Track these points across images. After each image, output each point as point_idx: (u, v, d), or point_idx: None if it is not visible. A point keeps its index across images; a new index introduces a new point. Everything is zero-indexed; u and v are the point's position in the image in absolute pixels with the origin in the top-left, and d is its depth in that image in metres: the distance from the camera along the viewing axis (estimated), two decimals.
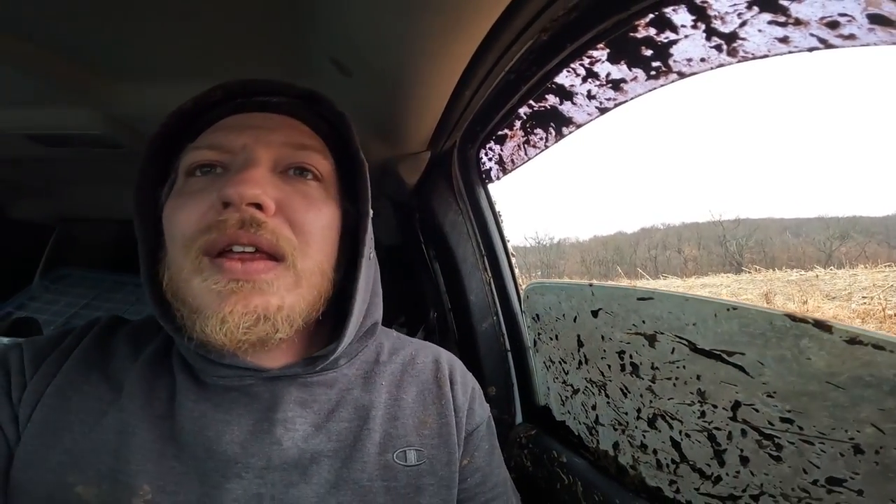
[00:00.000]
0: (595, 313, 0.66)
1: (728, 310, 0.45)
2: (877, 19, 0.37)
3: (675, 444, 0.58)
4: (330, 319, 0.54)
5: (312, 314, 0.50)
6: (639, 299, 0.56)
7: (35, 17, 0.63)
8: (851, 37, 0.39)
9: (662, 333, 0.54)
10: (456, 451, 0.55)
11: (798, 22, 0.41)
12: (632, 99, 0.70)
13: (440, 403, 0.57)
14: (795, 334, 0.39)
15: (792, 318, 0.39)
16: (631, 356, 0.61)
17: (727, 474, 0.50)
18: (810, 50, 0.42)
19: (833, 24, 0.39)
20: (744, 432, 0.48)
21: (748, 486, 0.48)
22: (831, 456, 0.41)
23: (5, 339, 1.33)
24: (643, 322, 0.57)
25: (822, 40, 0.41)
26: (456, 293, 1.06)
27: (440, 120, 0.87)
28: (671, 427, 0.58)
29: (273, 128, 0.51)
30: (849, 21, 0.38)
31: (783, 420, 0.44)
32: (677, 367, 0.54)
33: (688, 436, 0.56)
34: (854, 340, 0.36)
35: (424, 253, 1.31)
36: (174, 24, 0.65)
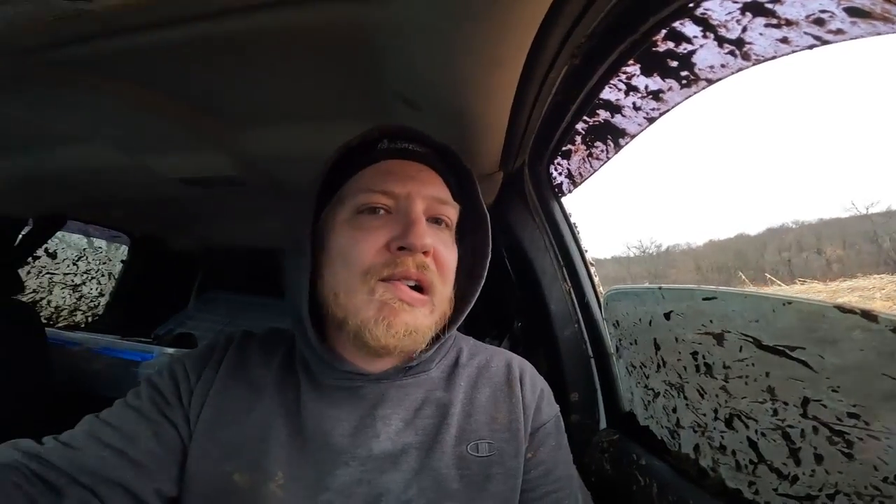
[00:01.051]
0: (667, 315, 0.67)
1: (784, 304, 0.45)
2: (854, 12, 0.36)
3: (753, 445, 0.57)
4: None
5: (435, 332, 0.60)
6: (704, 299, 0.57)
7: (180, 76, 0.78)
8: (840, 31, 0.38)
9: (729, 332, 0.54)
10: (523, 444, 0.61)
11: (789, 22, 0.42)
12: (673, 107, 0.71)
13: (510, 402, 0.63)
14: (847, 326, 0.39)
15: (841, 309, 0.39)
16: (703, 356, 0.61)
17: (803, 473, 0.49)
18: (810, 47, 0.41)
19: (819, 21, 0.39)
20: (815, 429, 0.47)
21: (824, 484, 0.46)
22: None
23: (170, 350, 1.61)
24: (711, 321, 0.57)
25: (816, 37, 0.41)
26: (537, 304, 1.10)
27: (505, 142, 0.93)
28: (747, 427, 0.57)
29: (425, 180, 0.61)
30: (830, 16, 0.38)
31: (850, 415, 0.43)
32: (747, 366, 0.53)
33: (763, 435, 0.55)
34: None
35: (507, 267, 1.36)
36: (282, 77, 0.78)
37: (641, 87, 0.69)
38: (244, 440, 0.57)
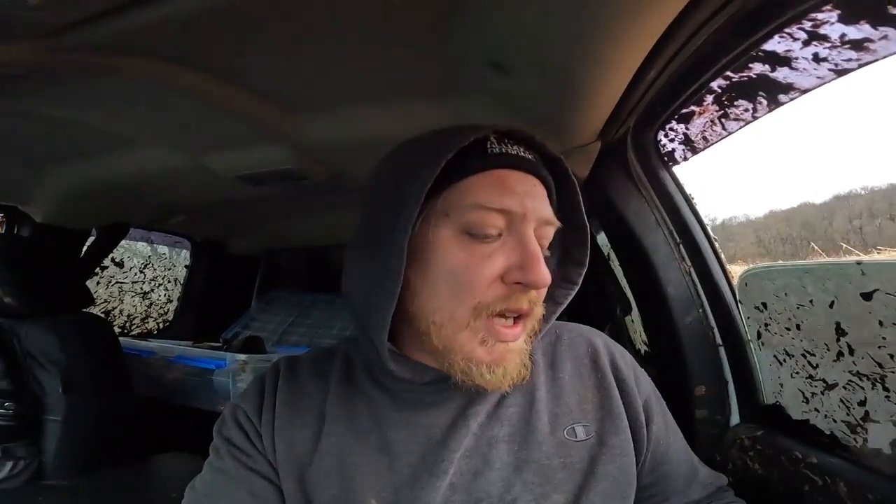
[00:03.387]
0: (868, 296, 0.54)
1: None
2: None
3: None
4: None
5: None
6: None
7: (233, 60, 0.71)
8: None
9: None
10: (624, 420, 0.57)
11: None
12: (880, 59, 0.56)
13: (597, 377, 0.59)
14: None
15: None
16: None
17: None
18: None
19: None
20: None
21: None
22: None
23: (242, 357, 1.60)
24: None
25: None
26: (648, 287, 0.97)
27: (614, 108, 0.81)
28: None
29: (539, 197, 0.53)
30: None
31: None
32: None
33: None
34: None
35: (599, 250, 1.24)
36: (342, 53, 0.70)
37: (834, 37, 0.55)
38: (318, 476, 0.52)
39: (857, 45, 0.54)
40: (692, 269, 0.92)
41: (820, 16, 0.52)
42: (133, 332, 2.83)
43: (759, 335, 0.81)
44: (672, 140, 0.92)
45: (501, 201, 0.49)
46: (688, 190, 0.93)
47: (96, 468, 1.24)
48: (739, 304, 0.84)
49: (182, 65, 0.71)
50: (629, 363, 0.63)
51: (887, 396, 0.58)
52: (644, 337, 1.15)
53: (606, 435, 0.56)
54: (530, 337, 0.54)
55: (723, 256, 0.90)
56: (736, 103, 0.74)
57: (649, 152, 0.96)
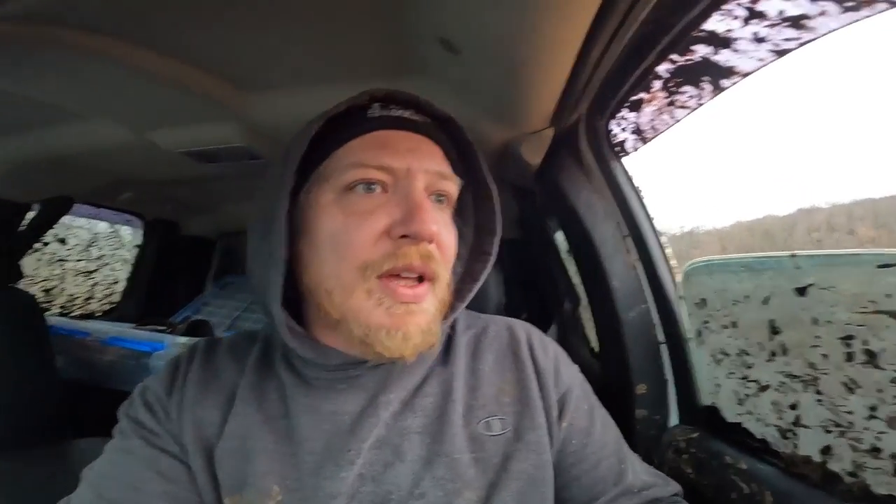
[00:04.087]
0: (802, 290, 0.51)
1: None
2: None
3: None
4: None
5: None
6: (881, 266, 0.42)
7: (180, 35, 0.68)
8: None
9: None
10: (541, 415, 0.55)
11: None
12: (818, 38, 0.54)
13: (517, 369, 0.58)
14: None
15: None
16: (865, 342, 0.46)
17: None
18: None
19: None
20: None
21: None
22: None
23: (182, 339, 1.53)
24: (889, 296, 0.42)
25: None
26: (595, 280, 0.95)
27: (563, 91, 0.78)
28: None
29: (426, 153, 0.53)
30: None
31: None
32: None
33: None
34: None
35: (551, 240, 1.21)
36: (295, 32, 0.68)
37: (773, 12, 0.52)
38: (224, 458, 0.50)
39: (796, 22, 0.52)
40: (638, 263, 0.90)
41: None
42: (74, 313, 2.69)
43: (699, 333, 0.79)
44: (624, 129, 0.89)
45: (380, 158, 0.49)
46: (636, 182, 0.91)
47: (11, 449, 1.17)
48: (682, 300, 0.82)
49: (124, 39, 0.69)
50: (552, 355, 0.61)
51: (819, 400, 0.56)
52: (594, 332, 1.13)
53: (523, 430, 0.54)
54: (443, 311, 0.53)
55: (668, 250, 0.87)
56: (682, 89, 0.72)
57: (601, 142, 0.93)
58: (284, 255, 0.49)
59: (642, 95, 0.78)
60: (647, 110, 0.81)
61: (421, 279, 0.49)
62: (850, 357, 0.48)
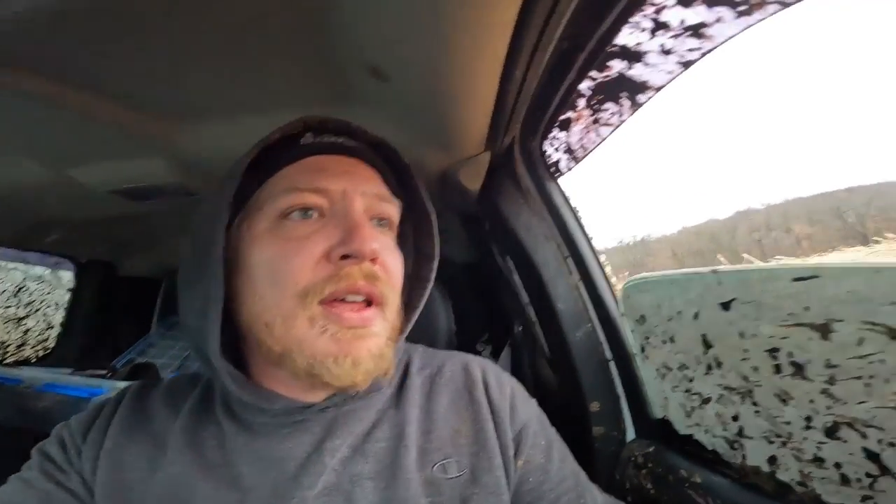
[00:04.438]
0: (726, 305, 0.52)
1: None
2: None
3: (872, 456, 0.43)
4: None
5: None
6: (796, 280, 0.42)
7: (103, 70, 0.64)
8: None
9: (841, 321, 0.40)
10: (498, 456, 0.53)
11: None
12: (719, 45, 0.56)
13: (473, 409, 0.56)
14: None
15: None
16: (790, 354, 0.46)
17: None
18: None
19: None
20: None
21: None
22: None
23: (123, 384, 1.42)
24: (806, 309, 0.42)
25: None
26: (541, 302, 0.94)
27: (493, 113, 0.78)
28: (864, 437, 0.43)
29: (363, 176, 0.53)
30: None
31: None
32: (870, 363, 0.38)
33: (892, 445, 0.41)
34: None
35: (500, 264, 1.21)
36: (225, 63, 0.66)
37: (675, 22, 0.54)
38: None
39: (696, 31, 0.54)
40: (580, 283, 0.90)
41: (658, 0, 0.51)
42: (7, 361, 2.52)
43: (642, 349, 0.79)
44: (557, 149, 0.90)
45: (315, 182, 0.49)
46: (573, 203, 0.92)
47: None
48: (624, 317, 0.82)
49: (35, 71, 0.64)
50: (508, 393, 0.59)
51: (757, 412, 0.56)
52: (547, 353, 1.13)
53: (480, 471, 0.52)
54: (395, 337, 0.52)
55: (607, 269, 0.88)
56: (604, 107, 0.73)
57: (536, 163, 0.93)
58: (222, 291, 0.46)
59: (570, 114, 0.79)
60: (577, 129, 0.82)
61: (369, 303, 0.48)
62: (778, 369, 0.49)
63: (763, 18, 0.48)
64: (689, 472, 0.67)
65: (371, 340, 0.47)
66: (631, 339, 0.84)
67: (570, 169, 0.90)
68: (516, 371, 1.20)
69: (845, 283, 0.38)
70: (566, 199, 0.93)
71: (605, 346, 0.90)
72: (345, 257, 0.46)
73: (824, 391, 0.44)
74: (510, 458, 0.54)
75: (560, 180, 0.93)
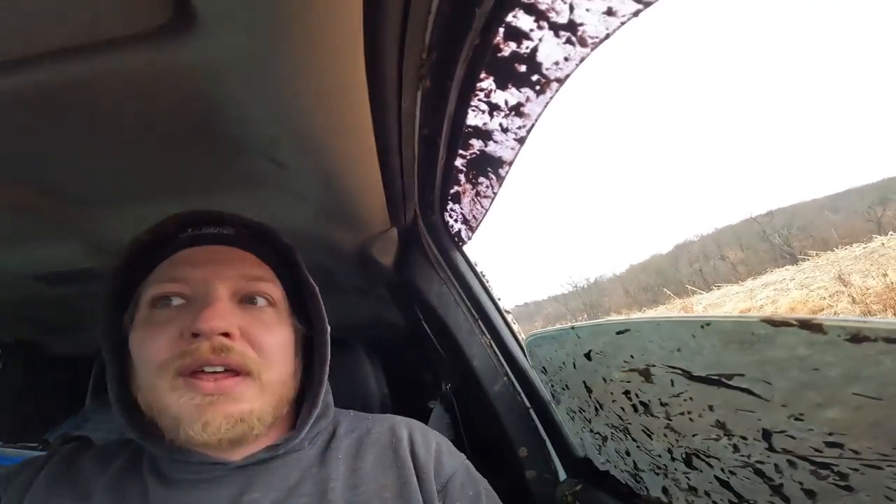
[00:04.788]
0: (588, 356, 0.58)
1: (702, 327, 0.37)
2: None
3: (724, 484, 0.49)
4: (292, 409, 0.62)
5: (279, 413, 0.57)
6: (617, 333, 0.49)
7: (18, 156, 0.65)
8: None
9: (654, 366, 0.46)
10: None
11: None
12: (536, 121, 0.67)
13: (398, 466, 0.59)
14: (787, 343, 0.31)
15: (772, 323, 0.31)
16: (637, 395, 0.52)
17: None
18: (636, 14, 0.38)
19: None
20: (791, 463, 0.39)
21: None
22: None
23: None
24: (632, 357, 0.49)
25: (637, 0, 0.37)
26: (461, 362, 0.99)
27: (386, 193, 0.85)
28: (710, 465, 0.49)
29: (228, 261, 0.58)
30: None
31: (830, 445, 0.35)
32: (685, 401, 0.45)
33: (733, 473, 0.46)
34: (858, 338, 0.28)
35: (426, 328, 1.25)
36: (132, 149, 0.67)
37: (502, 104, 0.63)
38: None
39: (517, 110, 0.63)
40: (492, 342, 0.95)
41: (483, 84, 0.60)
42: None
43: (553, 395, 0.84)
44: (456, 220, 0.98)
45: (177, 272, 0.55)
46: (478, 268, 0.99)
47: None
48: (533, 370, 0.88)
49: None
50: (433, 448, 0.63)
51: (638, 446, 0.62)
52: (473, 408, 1.16)
53: None
54: (280, 407, 0.56)
55: (515, 326, 0.94)
56: (479, 180, 0.81)
57: (440, 235, 1.01)
58: (116, 375, 0.55)
59: (457, 188, 0.87)
60: (466, 201, 0.90)
61: (237, 373, 0.52)
62: (635, 408, 0.54)
63: (553, 95, 0.58)
64: None
65: (231, 406, 0.51)
66: (543, 388, 0.89)
67: (469, 238, 0.97)
68: (451, 425, 1.22)
69: (647, 335, 0.45)
70: (471, 266, 1.00)
71: (523, 396, 0.95)
72: (195, 335, 0.51)
73: (668, 426, 0.50)
74: None
75: (478, 239, 1.00)
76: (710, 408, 0.42)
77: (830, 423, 0.33)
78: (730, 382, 0.38)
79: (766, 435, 0.39)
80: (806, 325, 0.29)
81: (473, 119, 0.68)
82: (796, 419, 0.35)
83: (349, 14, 0.40)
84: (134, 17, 0.38)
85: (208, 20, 0.38)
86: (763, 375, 0.35)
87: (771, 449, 0.39)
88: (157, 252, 0.59)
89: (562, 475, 0.93)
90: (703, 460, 0.49)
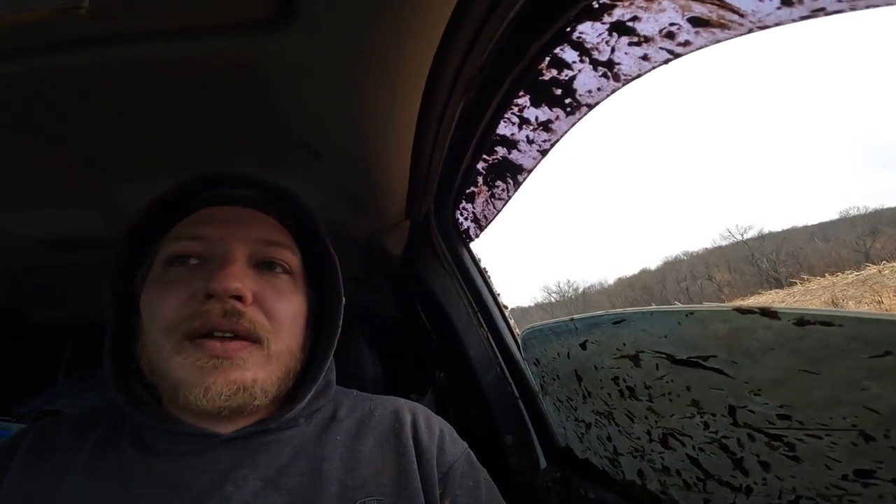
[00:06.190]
0: (583, 345, 0.65)
1: (687, 315, 0.45)
2: (696, 22, 0.40)
3: (694, 461, 0.55)
4: (295, 387, 0.59)
5: (283, 386, 0.55)
6: (613, 323, 0.56)
7: (42, 118, 0.66)
8: (687, 43, 0.42)
9: (643, 352, 0.54)
10: (420, 496, 0.55)
11: (646, 39, 0.45)
12: (561, 137, 0.74)
13: (398, 451, 0.58)
14: (749, 327, 0.39)
15: (740, 311, 0.39)
16: (624, 380, 0.60)
17: (755, 483, 0.47)
18: (666, 62, 0.45)
19: (670, 35, 0.43)
20: (751, 437, 0.46)
21: (781, 491, 0.45)
22: (845, 447, 0.39)
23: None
24: (624, 345, 0.56)
25: (669, 51, 0.45)
26: (457, 351, 1.06)
27: (409, 188, 0.91)
28: (683, 444, 0.56)
29: (247, 223, 0.56)
30: (677, 28, 0.42)
31: (781, 417, 0.42)
32: (666, 383, 0.52)
33: (702, 450, 0.53)
34: (802, 321, 0.35)
35: (423, 319, 1.32)
36: (164, 124, 0.70)
37: (532, 119, 0.71)
38: None
39: (546, 125, 0.71)
40: (489, 334, 1.02)
41: (520, 101, 0.67)
42: None
43: (542, 387, 0.91)
44: (466, 218, 1.05)
45: (196, 230, 0.54)
46: (482, 264, 1.06)
47: None
48: (525, 361, 0.95)
49: None
50: (436, 435, 0.61)
51: (620, 431, 0.69)
52: (464, 395, 1.23)
53: None
54: (284, 377, 0.55)
55: (511, 321, 1.02)
56: (496, 184, 0.89)
57: (450, 231, 1.08)
58: (112, 336, 0.54)
59: (473, 189, 0.94)
60: (479, 201, 0.98)
61: (236, 337, 0.51)
62: (622, 393, 0.62)
63: (581, 117, 0.66)
64: (587, 491, 0.78)
65: (234, 372, 0.49)
66: (533, 379, 0.96)
67: (477, 236, 1.05)
68: (441, 412, 1.29)
69: (640, 324, 0.52)
70: (475, 262, 1.07)
71: (513, 386, 1.02)
72: (209, 296, 0.50)
73: (649, 408, 0.58)
74: (436, 497, 0.56)
75: (486, 236, 1.07)
76: (688, 388, 0.50)
77: (781, 397, 0.40)
78: (705, 364, 0.45)
79: (731, 410, 0.46)
80: (766, 312, 0.37)
81: (502, 129, 0.75)
82: (755, 394, 0.42)
83: (433, 28, 0.46)
84: (244, 7, 0.42)
85: (307, 19, 0.43)
86: (731, 356, 0.42)
87: (735, 423, 0.47)
88: (177, 210, 0.58)
89: (542, 464, 0.99)
90: (677, 439, 0.56)
